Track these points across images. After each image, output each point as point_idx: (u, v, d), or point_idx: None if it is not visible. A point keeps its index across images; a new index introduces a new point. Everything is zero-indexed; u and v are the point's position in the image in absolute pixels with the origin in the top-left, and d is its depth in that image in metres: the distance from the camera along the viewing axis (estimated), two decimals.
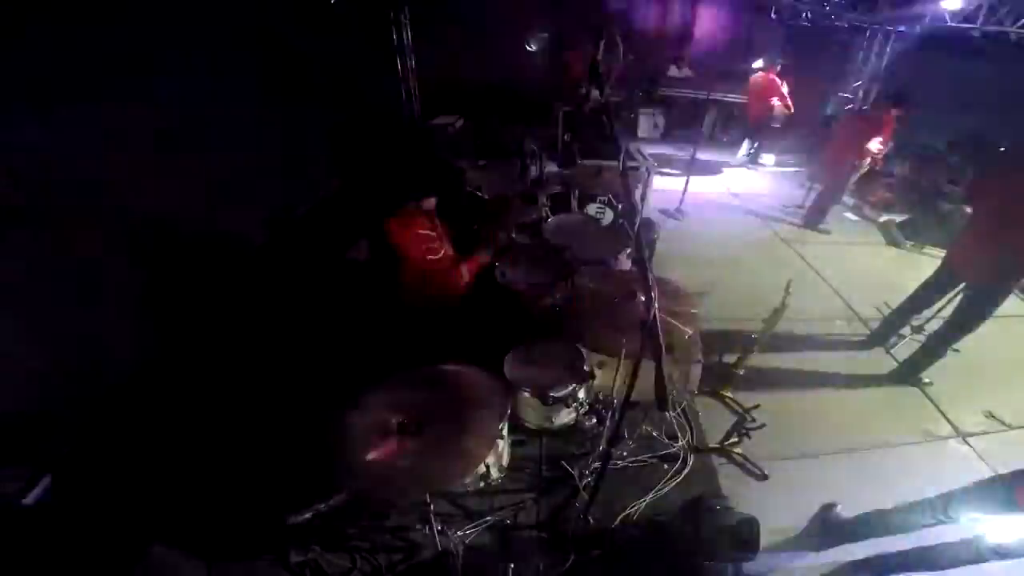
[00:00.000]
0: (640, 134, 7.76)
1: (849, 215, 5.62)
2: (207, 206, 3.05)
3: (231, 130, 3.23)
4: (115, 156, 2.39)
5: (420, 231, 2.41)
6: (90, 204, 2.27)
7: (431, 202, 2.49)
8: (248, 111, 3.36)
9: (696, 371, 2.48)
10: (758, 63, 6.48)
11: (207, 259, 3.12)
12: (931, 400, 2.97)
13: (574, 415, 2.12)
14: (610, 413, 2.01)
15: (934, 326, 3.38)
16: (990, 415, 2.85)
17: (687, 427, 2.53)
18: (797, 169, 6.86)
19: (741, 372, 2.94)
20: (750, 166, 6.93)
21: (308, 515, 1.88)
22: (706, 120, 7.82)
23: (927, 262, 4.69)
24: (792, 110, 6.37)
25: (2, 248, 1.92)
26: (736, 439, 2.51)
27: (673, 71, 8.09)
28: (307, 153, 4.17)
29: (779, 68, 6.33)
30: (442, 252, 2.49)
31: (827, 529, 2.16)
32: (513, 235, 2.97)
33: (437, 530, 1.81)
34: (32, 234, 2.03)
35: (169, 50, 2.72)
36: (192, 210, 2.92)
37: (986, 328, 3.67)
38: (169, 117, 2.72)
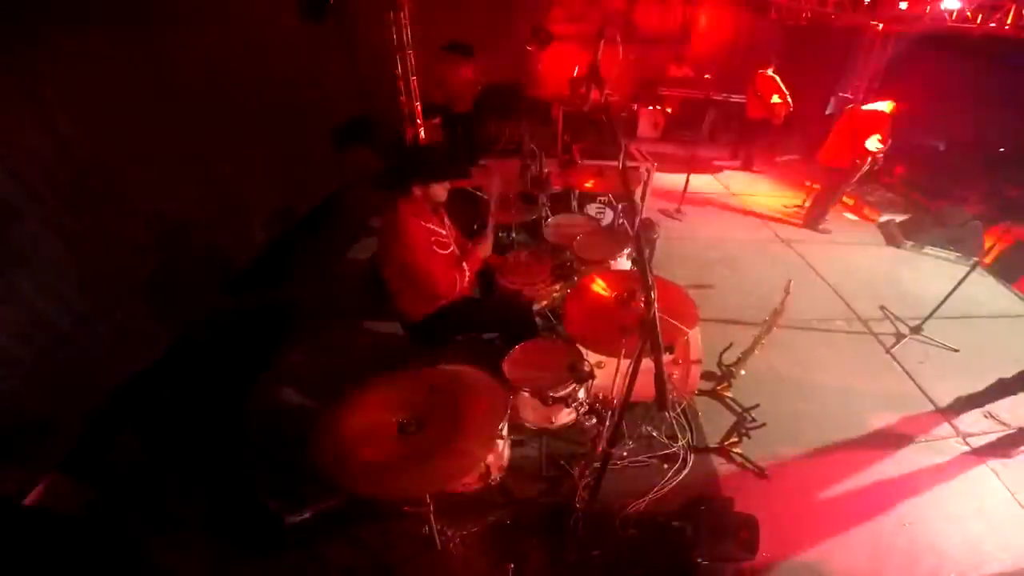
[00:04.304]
0: (640, 134, 7.76)
1: (849, 215, 5.62)
2: (209, 205, 3.05)
3: (234, 131, 3.24)
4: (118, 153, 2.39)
5: (428, 224, 2.22)
6: (92, 204, 2.28)
7: (440, 191, 2.22)
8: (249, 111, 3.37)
9: (696, 371, 2.48)
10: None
11: (209, 258, 3.13)
12: (931, 400, 2.98)
13: (574, 415, 2.12)
14: (610, 413, 2.01)
15: (934, 324, 3.40)
16: (990, 415, 2.85)
17: (687, 427, 2.53)
18: (797, 168, 6.86)
19: (741, 372, 2.94)
20: (751, 170, 6.92)
21: (308, 515, 1.88)
22: (706, 120, 7.82)
23: (927, 262, 4.70)
24: (792, 108, 6.37)
25: (1, 247, 1.92)
26: (736, 439, 2.51)
27: (673, 71, 8.11)
28: (308, 153, 4.17)
29: (779, 67, 6.33)
30: (451, 248, 2.34)
31: None
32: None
33: (437, 530, 1.81)
34: (31, 233, 2.03)
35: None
36: (194, 209, 2.92)
37: (986, 328, 3.70)
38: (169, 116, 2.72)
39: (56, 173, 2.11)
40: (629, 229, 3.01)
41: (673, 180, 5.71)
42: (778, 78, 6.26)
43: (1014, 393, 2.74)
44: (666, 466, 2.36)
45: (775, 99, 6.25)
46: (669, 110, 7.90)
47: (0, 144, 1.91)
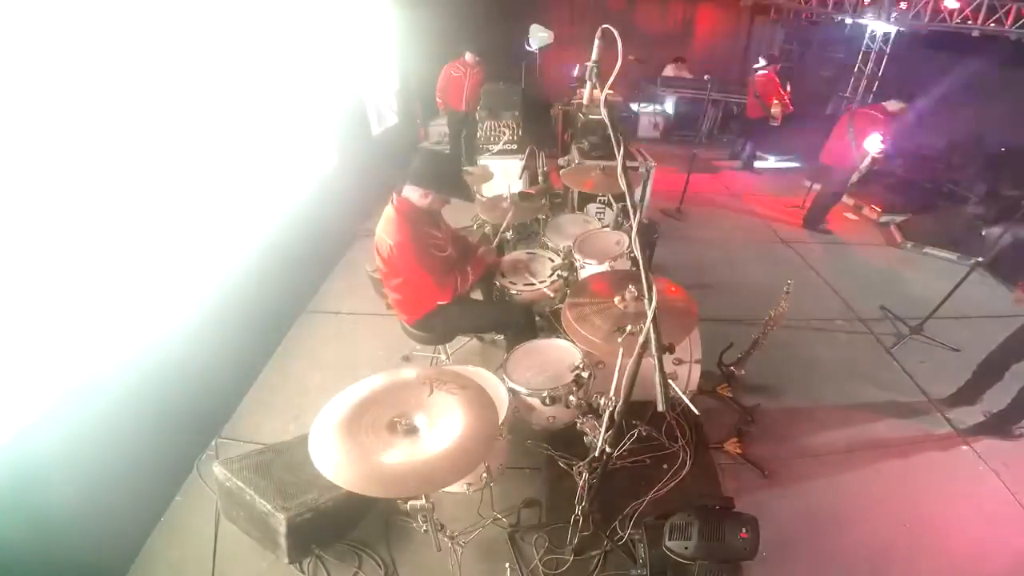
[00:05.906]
0: (640, 134, 7.76)
1: (849, 215, 5.62)
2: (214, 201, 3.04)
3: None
4: None
5: (424, 227, 2.22)
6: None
7: (432, 199, 2.19)
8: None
9: (696, 371, 2.48)
10: (759, 63, 6.50)
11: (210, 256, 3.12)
12: (931, 400, 2.97)
13: (574, 415, 2.12)
14: (610, 413, 2.01)
15: (935, 324, 3.40)
16: (989, 415, 2.85)
17: (687, 427, 2.53)
18: (797, 168, 6.86)
19: (741, 372, 2.94)
20: (751, 170, 6.92)
21: (308, 515, 1.88)
22: (705, 120, 7.83)
23: (927, 262, 4.70)
24: (792, 109, 6.38)
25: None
26: (736, 439, 2.51)
27: (672, 71, 8.11)
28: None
29: (779, 68, 6.34)
30: (448, 251, 2.34)
31: None
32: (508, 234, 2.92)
33: (437, 530, 1.81)
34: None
35: None
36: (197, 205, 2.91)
37: (987, 328, 3.69)
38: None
39: None
40: (629, 229, 3.00)
41: (673, 180, 5.71)
42: (778, 80, 6.27)
43: (1000, 372, 2.81)
44: (666, 466, 2.35)
45: (774, 101, 6.26)
46: (669, 110, 7.89)
47: None
